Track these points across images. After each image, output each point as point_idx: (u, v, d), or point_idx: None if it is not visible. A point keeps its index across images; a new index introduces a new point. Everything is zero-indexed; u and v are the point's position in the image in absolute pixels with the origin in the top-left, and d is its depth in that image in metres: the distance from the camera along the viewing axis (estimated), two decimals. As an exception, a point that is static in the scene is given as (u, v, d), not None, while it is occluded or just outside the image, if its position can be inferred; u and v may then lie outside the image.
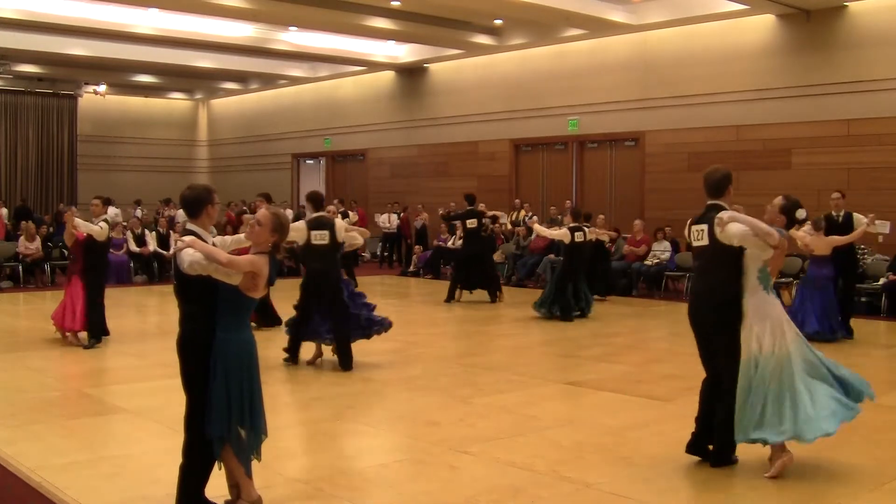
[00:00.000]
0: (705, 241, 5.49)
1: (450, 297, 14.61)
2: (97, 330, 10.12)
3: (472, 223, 14.67)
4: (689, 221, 5.72)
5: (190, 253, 4.29)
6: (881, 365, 9.01)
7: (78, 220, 10.14)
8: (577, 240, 12.77)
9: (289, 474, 5.36)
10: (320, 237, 8.67)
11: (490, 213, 15.98)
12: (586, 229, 13.09)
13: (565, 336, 11.36)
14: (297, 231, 8.48)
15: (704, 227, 5.49)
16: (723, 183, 5.57)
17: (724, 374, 5.43)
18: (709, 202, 5.57)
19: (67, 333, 10.21)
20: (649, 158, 17.80)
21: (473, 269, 14.68)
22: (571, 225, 12.97)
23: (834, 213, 10.99)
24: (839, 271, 10.72)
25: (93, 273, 10.16)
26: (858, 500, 5.03)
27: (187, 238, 4.41)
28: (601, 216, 15.55)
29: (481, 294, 14.78)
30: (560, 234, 13.09)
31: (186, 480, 4.50)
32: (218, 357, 4.43)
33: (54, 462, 5.59)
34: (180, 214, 22.03)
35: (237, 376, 4.46)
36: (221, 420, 4.41)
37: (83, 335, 10.17)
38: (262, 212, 4.65)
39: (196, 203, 4.54)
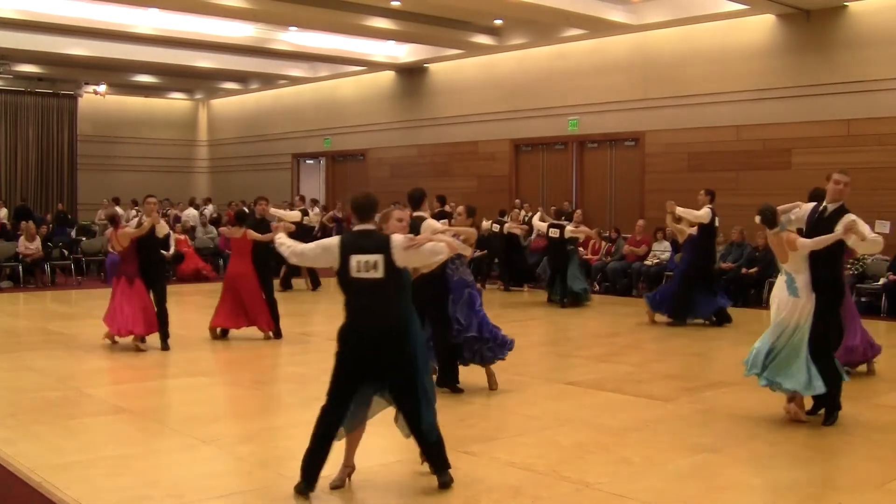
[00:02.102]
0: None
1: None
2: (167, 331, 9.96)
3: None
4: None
5: (439, 244, 5.02)
6: (881, 365, 8.99)
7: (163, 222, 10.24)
8: (550, 235, 14.33)
9: (289, 474, 5.34)
10: None
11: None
12: (567, 226, 14.33)
13: (565, 336, 11.37)
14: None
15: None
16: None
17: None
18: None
19: (119, 338, 9.89)
20: (649, 158, 17.79)
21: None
22: (551, 222, 14.55)
23: None
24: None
25: (152, 269, 9.96)
26: (858, 500, 5.03)
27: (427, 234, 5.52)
28: (578, 211, 15.98)
29: (485, 296, 14.96)
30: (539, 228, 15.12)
31: None
32: (416, 342, 5.01)
33: (54, 462, 5.59)
34: (186, 214, 22.09)
35: (424, 356, 5.09)
36: (433, 404, 5.02)
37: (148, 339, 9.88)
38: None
39: (370, 207, 5.20)
